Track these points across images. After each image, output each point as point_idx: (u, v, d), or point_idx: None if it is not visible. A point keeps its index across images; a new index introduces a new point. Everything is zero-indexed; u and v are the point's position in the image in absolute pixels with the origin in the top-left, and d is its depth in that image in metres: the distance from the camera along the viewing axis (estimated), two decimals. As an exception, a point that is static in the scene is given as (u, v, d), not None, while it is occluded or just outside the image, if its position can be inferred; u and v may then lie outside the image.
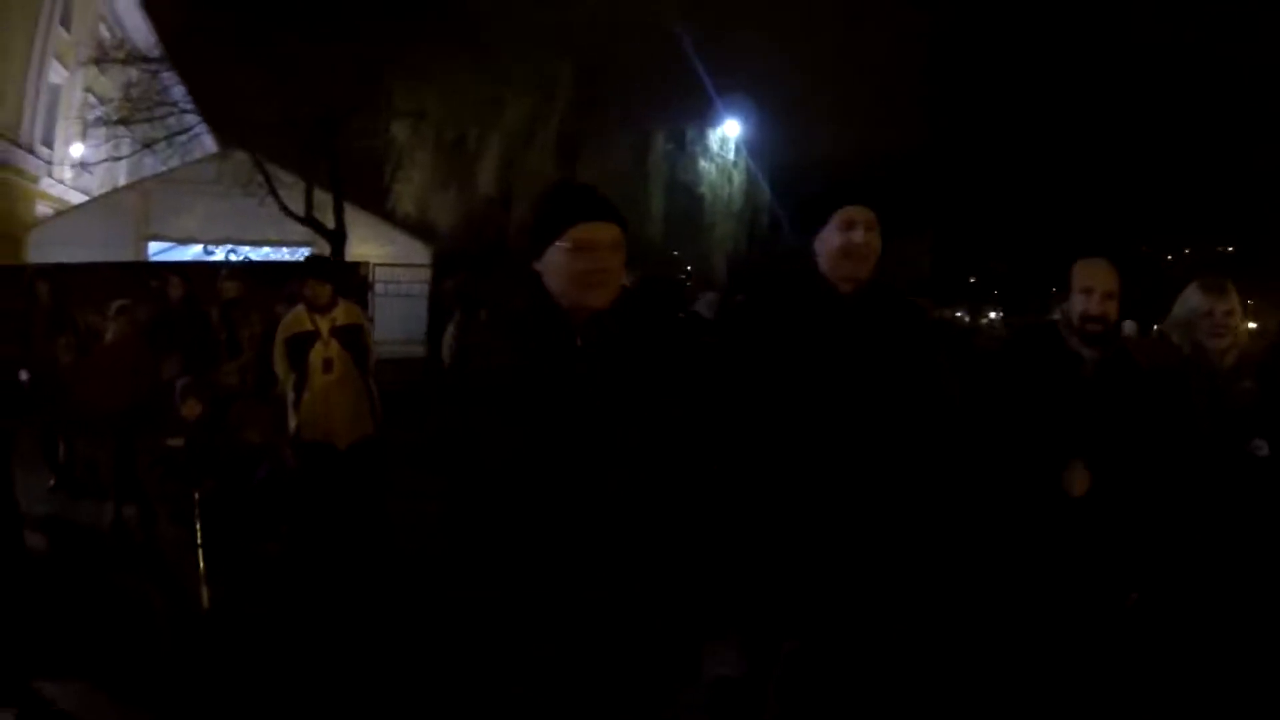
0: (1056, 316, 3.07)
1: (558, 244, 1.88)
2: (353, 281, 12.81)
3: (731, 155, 24.14)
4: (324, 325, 5.17)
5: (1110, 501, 2.75)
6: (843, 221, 2.60)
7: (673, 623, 1.85)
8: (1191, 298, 3.26)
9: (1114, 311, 2.89)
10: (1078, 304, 2.89)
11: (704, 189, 23.11)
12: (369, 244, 17.63)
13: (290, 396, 5.16)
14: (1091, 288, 2.86)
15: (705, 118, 23.07)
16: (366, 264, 15.57)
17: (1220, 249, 22.69)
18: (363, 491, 5.25)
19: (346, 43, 14.04)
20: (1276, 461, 3.05)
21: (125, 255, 16.79)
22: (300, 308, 5.28)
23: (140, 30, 21.91)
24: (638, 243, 20.06)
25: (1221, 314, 3.17)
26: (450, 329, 8.14)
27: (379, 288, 15.72)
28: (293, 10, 14.26)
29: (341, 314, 5.28)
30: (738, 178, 24.71)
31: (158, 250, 18.52)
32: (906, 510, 2.48)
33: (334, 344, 5.17)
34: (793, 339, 2.57)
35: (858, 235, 2.58)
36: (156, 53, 17.75)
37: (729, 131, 23.58)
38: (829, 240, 2.63)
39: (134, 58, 17.06)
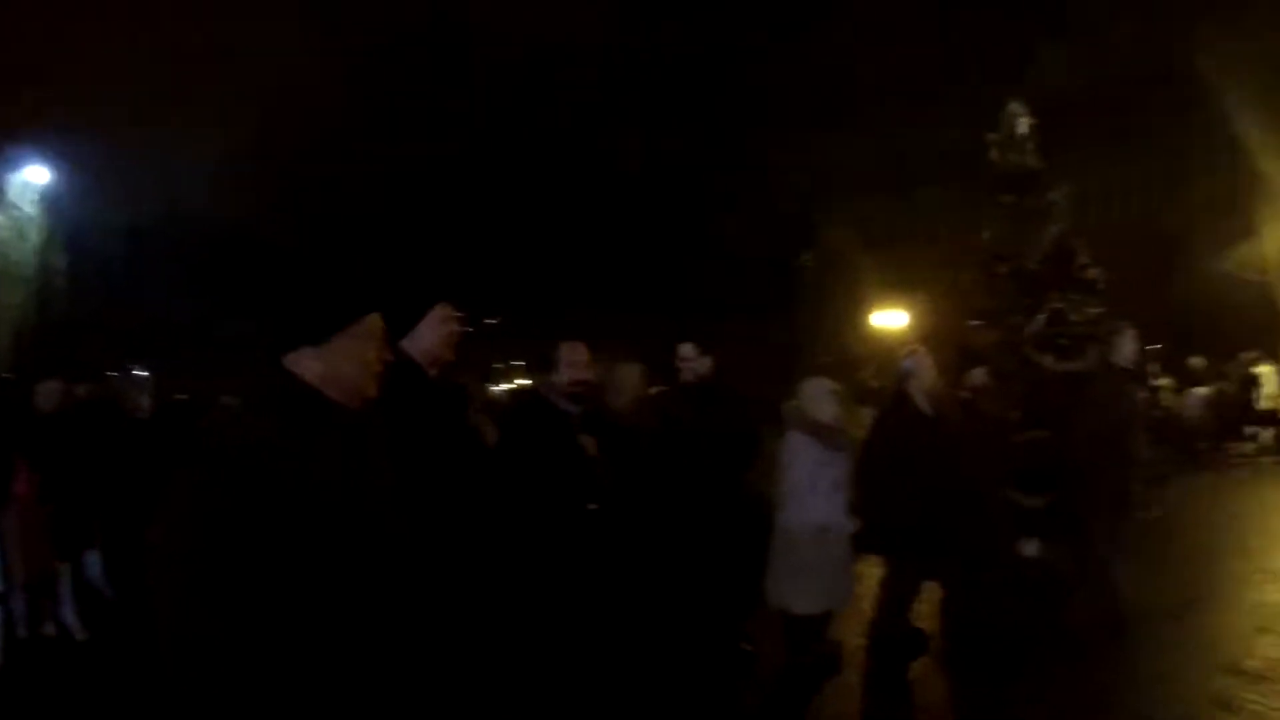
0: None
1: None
2: None
3: (30, 209, 20.17)
4: None
5: (620, 508, 3.55)
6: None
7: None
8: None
9: (592, 376, 3.63)
10: (566, 374, 3.50)
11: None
12: None
13: None
14: (576, 361, 3.51)
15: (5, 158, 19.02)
16: None
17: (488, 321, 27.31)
18: None
19: None
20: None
21: None
22: None
23: None
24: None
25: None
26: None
27: None
28: None
29: None
30: (34, 236, 20.72)
31: None
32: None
33: None
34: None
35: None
36: None
37: (33, 177, 19.67)
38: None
39: None
